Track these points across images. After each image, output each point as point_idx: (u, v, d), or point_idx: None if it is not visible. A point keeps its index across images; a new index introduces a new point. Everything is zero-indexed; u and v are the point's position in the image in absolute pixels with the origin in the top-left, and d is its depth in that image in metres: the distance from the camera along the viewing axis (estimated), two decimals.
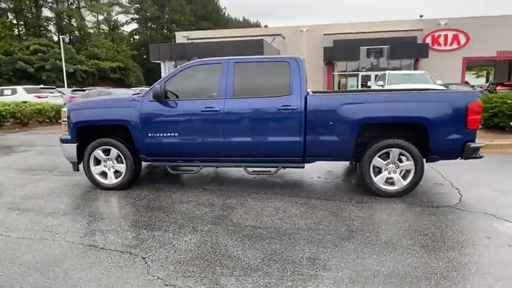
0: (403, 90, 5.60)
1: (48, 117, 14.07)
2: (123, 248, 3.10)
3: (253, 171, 4.67)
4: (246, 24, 76.03)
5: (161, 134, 4.57)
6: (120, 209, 4.10)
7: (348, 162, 5.96)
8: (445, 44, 24.20)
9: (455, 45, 24.01)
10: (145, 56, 60.89)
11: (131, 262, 2.84)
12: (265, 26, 72.67)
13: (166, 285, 2.51)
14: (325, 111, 4.29)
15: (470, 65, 26.80)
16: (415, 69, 22.49)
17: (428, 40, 24.28)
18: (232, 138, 4.46)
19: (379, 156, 4.29)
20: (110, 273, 2.68)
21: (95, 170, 4.82)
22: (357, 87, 23.89)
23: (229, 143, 4.47)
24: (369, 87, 23.42)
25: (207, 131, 4.49)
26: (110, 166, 4.80)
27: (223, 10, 75.03)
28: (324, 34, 26.08)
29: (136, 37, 63.56)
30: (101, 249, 3.07)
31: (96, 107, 4.84)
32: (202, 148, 4.56)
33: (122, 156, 4.70)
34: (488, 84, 26.45)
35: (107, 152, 4.78)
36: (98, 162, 4.84)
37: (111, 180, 4.80)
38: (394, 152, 4.24)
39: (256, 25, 76.49)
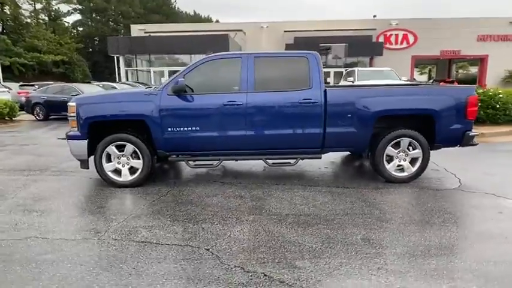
0: (411, 84, 6.08)
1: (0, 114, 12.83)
2: (179, 241, 3.09)
3: (273, 163, 4.80)
4: (197, 18, 74.80)
5: (182, 129, 4.52)
6: (150, 205, 4.02)
7: (345, 153, 6.33)
8: (396, 43, 26.00)
9: (405, 44, 25.91)
10: (91, 50, 57.45)
11: (198, 254, 2.86)
12: (217, 21, 72.19)
13: (247, 272, 2.58)
14: (344, 104, 4.55)
15: (417, 62, 29.10)
16: (370, 66, 23.91)
17: (381, 39, 25.91)
18: (254, 132, 4.55)
19: (391, 146, 4.66)
20: (184, 265, 2.68)
21: (108, 167, 4.63)
22: None
23: (251, 136, 4.56)
24: (328, 83, 24.47)
25: (229, 125, 4.54)
26: (124, 162, 4.64)
27: (174, 3, 72.95)
28: (285, 31, 26.62)
29: (80, 29, 59.57)
30: (157, 245, 3.04)
31: (110, 101, 4.64)
32: (224, 142, 4.59)
33: (139, 152, 4.57)
34: (432, 80, 28.96)
35: (120, 148, 4.61)
36: (109, 159, 4.65)
37: (126, 177, 4.64)
38: (405, 141, 4.63)
39: (208, 20, 75.63)
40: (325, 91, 4.53)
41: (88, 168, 4.74)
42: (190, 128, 4.53)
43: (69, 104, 4.60)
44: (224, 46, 20.31)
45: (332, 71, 24.26)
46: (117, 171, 4.67)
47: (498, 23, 24.97)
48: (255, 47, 27.04)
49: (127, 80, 21.38)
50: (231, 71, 4.64)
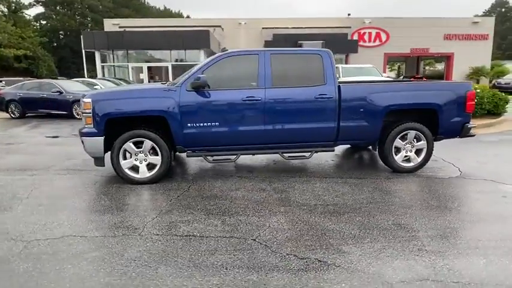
0: (416, 80, 6.39)
1: None
2: (223, 234, 3.17)
3: (289, 156, 4.95)
4: (167, 13, 73.45)
5: (202, 124, 4.55)
6: (176, 200, 4.04)
7: (345, 146, 6.59)
8: (369, 41, 26.86)
9: (377, 42, 26.82)
10: (55, 44, 54.77)
11: (247, 245, 2.96)
12: (187, 17, 71.07)
13: (302, 259, 2.72)
14: (357, 99, 4.77)
15: (389, 60, 30.24)
16: (346, 63, 24.59)
17: (355, 37, 26.67)
18: (272, 126, 4.67)
19: (399, 138, 4.94)
20: (238, 256, 2.77)
21: (125, 164, 4.58)
22: None
23: (269, 131, 4.67)
24: None
25: (248, 120, 4.63)
26: (142, 159, 4.62)
27: None
28: (263, 28, 26.75)
29: (44, 22, 56.60)
30: (202, 238, 3.10)
31: (129, 98, 4.57)
32: (243, 136, 4.67)
33: (158, 148, 4.56)
34: (402, 77, 30.23)
35: (137, 145, 4.58)
36: (125, 155, 4.61)
37: (144, 173, 4.62)
38: (412, 133, 4.93)
39: (179, 15, 74.42)
40: (339, 87, 4.73)
41: (104, 165, 4.67)
42: (209, 124, 4.57)
43: (84, 100, 4.49)
44: (205, 42, 20.15)
45: None
46: (134, 168, 4.64)
47: (462, 23, 26.46)
48: (233, 43, 26.93)
49: (103, 75, 20.68)
50: (249, 67, 4.72)
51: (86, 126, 4.53)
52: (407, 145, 5.00)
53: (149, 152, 4.61)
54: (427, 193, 4.23)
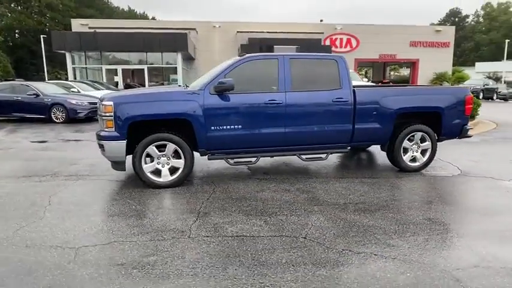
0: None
1: None
2: (272, 233, 3.25)
3: (306, 158, 5.11)
4: (132, 14, 71.63)
5: (225, 127, 4.60)
6: (208, 203, 4.06)
7: None
8: (341, 46, 27.87)
9: (348, 48, 27.88)
10: (11, 44, 51.55)
11: (301, 243, 3.07)
12: (153, 18, 69.69)
13: (358, 253, 2.88)
14: (370, 102, 5.04)
15: (359, 65, 31.50)
16: None
17: (328, 42, 27.56)
18: (293, 129, 4.81)
19: (407, 139, 5.27)
20: (298, 253, 2.88)
21: (147, 168, 4.52)
22: None
23: (289, 133, 4.81)
24: None
25: (270, 123, 4.74)
26: (164, 163, 4.58)
27: None
28: (238, 31, 26.89)
29: None
30: (254, 237, 3.17)
31: (153, 100, 4.51)
32: (265, 139, 4.78)
33: (181, 152, 4.55)
34: (370, 81, 31.54)
35: (159, 148, 4.54)
36: (147, 159, 4.55)
37: (167, 177, 4.58)
38: (418, 135, 5.28)
39: (144, 17, 72.83)
40: (353, 91, 4.97)
41: (125, 169, 4.58)
42: (232, 126, 4.63)
43: (104, 103, 4.39)
44: (183, 45, 19.94)
45: None
46: (156, 172, 4.59)
47: (426, 31, 28.22)
48: (208, 46, 26.93)
49: (74, 78, 19.82)
50: (269, 71, 4.84)
51: (106, 129, 4.42)
52: (414, 146, 5.34)
53: (171, 155, 4.58)
54: (440, 190, 4.56)
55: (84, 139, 8.58)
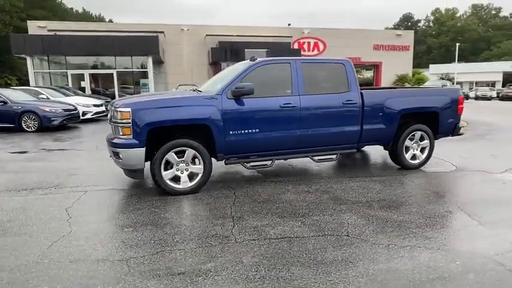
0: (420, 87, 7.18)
1: None
2: (315, 233, 3.34)
3: (318, 159, 5.26)
4: (87, 16, 68.68)
5: (243, 131, 4.63)
6: (236, 207, 4.06)
7: None
8: (309, 50, 28.63)
9: (316, 51, 28.70)
10: None
11: (347, 240, 3.19)
12: (110, 21, 67.26)
13: (404, 247, 3.05)
14: (376, 104, 5.30)
15: None
16: None
17: (296, 46, 28.18)
18: (306, 131, 4.94)
19: (408, 138, 5.60)
20: (351, 250, 2.99)
21: (167, 174, 4.44)
22: None
23: (304, 136, 4.94)
24: None
25: (286, 126, 4.83)
26: (183, 169, 4.52)
27: None
28: (207, 35, 26.73)
29: None
30: (299, 238, 3.24)
31: (172, 106, 4.42)
32: (280, 142, 4.86)
33: (200, 157, 4.51)
34: None
35: (178, 154, 4.47)
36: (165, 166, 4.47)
37: (186, 183, 4.52)
38: (418, 134, 5.63)
39: (100, 19, 70.15)
40: (361, 93, 5.20)
41: (143, 177, 4.46)
42: (250, 131, 4.67)
43: (121, 109, 4.25)
44: (154, 48, 19.49)
45: None
46: (174, 179, 4.51)
47: (388, 35, 29.79)
48: (176, 49, 26.47)
49: (35, 83, 18.64)
50: (282, 75, 4.93)
51: (122, 137, 4.29)
52: (414, 144, 5.68)
53: (190, 161, 4.53)
54: (447, 184, 4.91)
55: (69, 148, 8.16)
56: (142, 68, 20.32)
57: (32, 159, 6.93)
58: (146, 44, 19.17)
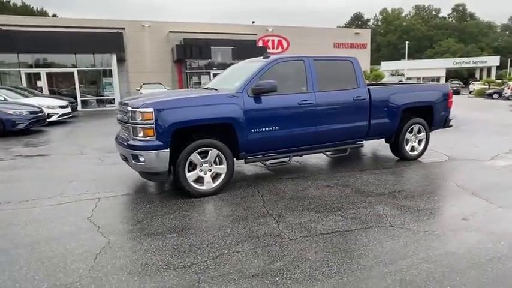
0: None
1: None
2: (361, 225, 3.44)
3: (331, 154, 5.37)
4: (27, 10, 63.57)
5: (264, 129, 4.61)
6: (268, 205, 4.04)
7: None
8: (273, 47, 28.93)
9: (280, 49, 29.09)
10: None
11: (394, 231, 3.32)
12: (54, 15, 62.84)
13: (450, 231, 3.24)
14: (382, 100, 5.53)
15: None
16: None
17: (260, 43, 28.36)
18: (322, 127, 5.04)
19: (408, 131, 5.92)
20: (402, 240, 3.12)
21: (191, 176, 4.29)
22: None
23: (319, 132, 5.03)
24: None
25: (303, 122, 4.89)
26: (206, 169, 4.40)
27: None
28: (170, 32, 25.99)
29: None
30: (350, 231, 3.32)
31: (195, 105, 4.26)
32: (298, 138, 4.91)
33: (223, 157, 4.42)
34: None
35: (201, 155, 4.35)
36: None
37: (210, 184, 4.41)
38: (416, 127, 5.97)
39: (43, 13, 65.32)
40: (368, 89, 5.40)
41: (166, 180, 4.27)
42: (271, 128, 4.66)
43: (142, 110, 4.03)
44: (118, 45, 18.57)
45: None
46: (197, 180, 4.38)
47: (347, 34, 31.00)
48: (138, 46, 25.45)
49: None
50: (297, 72, 4.97)
51: (143, 138, 4.07)
52: (413, 137, 6.02)
53: (213, 161, 4.42)
54: (450, 173, 5.28)
55: (49, 153, 7.54)
56: (105, 66, 19.25)
57: (15, 167, 6.32)
58: (110, 41, 18.20)
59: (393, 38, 76.81)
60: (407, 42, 43.36)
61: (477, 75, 55.47)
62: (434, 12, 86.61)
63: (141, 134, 4.09)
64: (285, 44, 29.08)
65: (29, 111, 10.70)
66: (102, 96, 20.05)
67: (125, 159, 4.53)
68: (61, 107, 13.10)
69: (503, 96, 24.00)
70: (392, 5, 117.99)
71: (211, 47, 24.22)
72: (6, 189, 4.93)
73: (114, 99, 19.80)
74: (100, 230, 3.47)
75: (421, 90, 6.14)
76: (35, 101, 12.75)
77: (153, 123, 4.02)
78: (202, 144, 4.29)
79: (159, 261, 2.83)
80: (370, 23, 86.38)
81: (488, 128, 9.85)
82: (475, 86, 33.85)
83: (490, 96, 25.38)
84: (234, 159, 4.63)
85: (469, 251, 2.90)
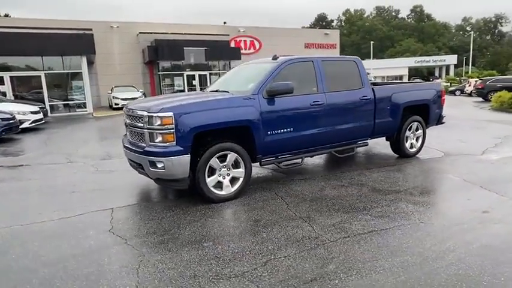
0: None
1: None
2: (392, 224, 3.51)
3: (339, 154, 5.44)
4: None
5: (279, 131, 4.58)
6: (293, 208, 4.01)
7: None
8: (245, 48, 28.88)
9: (252, 50, 29.11)
10: None
11: (426, 227, 3.42)
12: (6, 15, 59.15)
13: (482, 223, 3.39)
14: (385, 99, 5.68)
15: None
16: (230, 69, 25.77)
17: (233, 44, 28.23)
18: (332, 127, 5.09)
19: (408, 129, 6.13)
20: (439, 236, 3.22)
21: (211, 181, 4.18)
22: (184, 86, 24.76)
23: (330, 132, 5.08)
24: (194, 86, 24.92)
25: (315, 123, 4.92)
26: (225, 174, 4.31)
27: None
28: (140, 32, 25.24)
29: None
30: (385, 230, 3.37)
31: (214, 108, 4.13)
32: (311, 139, 4.92)
33: (241, 161, 4.34)
34: None
35: (221, 159, 4.25)
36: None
37: (228, 189, 4.32)
38: (415, 124, 6.20)
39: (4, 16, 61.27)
40: (372, 89, 5.53)
41: (186, 187, 4.13)
42: (286, 130, 4.65)
43: (160, 114, 3.87)
44: (89, 47, 17.73)
45: (196, 74, 24.85)
46: (216, 185, 4.27)
47: (317, 34, 31.63)
48: (106, 48, 24.47)
49: None
50: (307, 73, 4.99)
51: (162, 144, 3.91)
52: (411, 134, 6.24)
53: (232, 165, 4.34)
54: (451, 168, 5.51)
55: (35, 163, 7.04)
56: (75, 69, 18.29)
57: (3, 180, 5.84)
58: (79, 43, 17.33)
59: (356, 38, 79.43)
60: (372, 42, 44.98)
61: (436, 73, 58.62)
62: (394, 13, 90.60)
63: (158, 140, 3.92)
64: (257, 44, 29.18)
65: (1, 118, 9.96)
66: (72, 100, 19.05)
67: (137, 166, 4.33)
68: (33, 112, 12.31)
69: (465, 93, 25.53)
70: (354, 6, 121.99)
71: (184, 48, 23.81)
72: (4, 204, 4.55)
73: (85, 103, 18.87)
74: (129, 243, 3.28)
75: (419, 89, 6.38)
76: (3, 106, 11.88)
77: (172, 128, 3.87)
78: (222, 148, 4.19)
79: (208, 272, 2.73)
80: (334, 24, 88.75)
81: (466, 123, 10.44)
82: None
83: (453, 93, 26.89)
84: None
85: (503, 242, 3.05)
